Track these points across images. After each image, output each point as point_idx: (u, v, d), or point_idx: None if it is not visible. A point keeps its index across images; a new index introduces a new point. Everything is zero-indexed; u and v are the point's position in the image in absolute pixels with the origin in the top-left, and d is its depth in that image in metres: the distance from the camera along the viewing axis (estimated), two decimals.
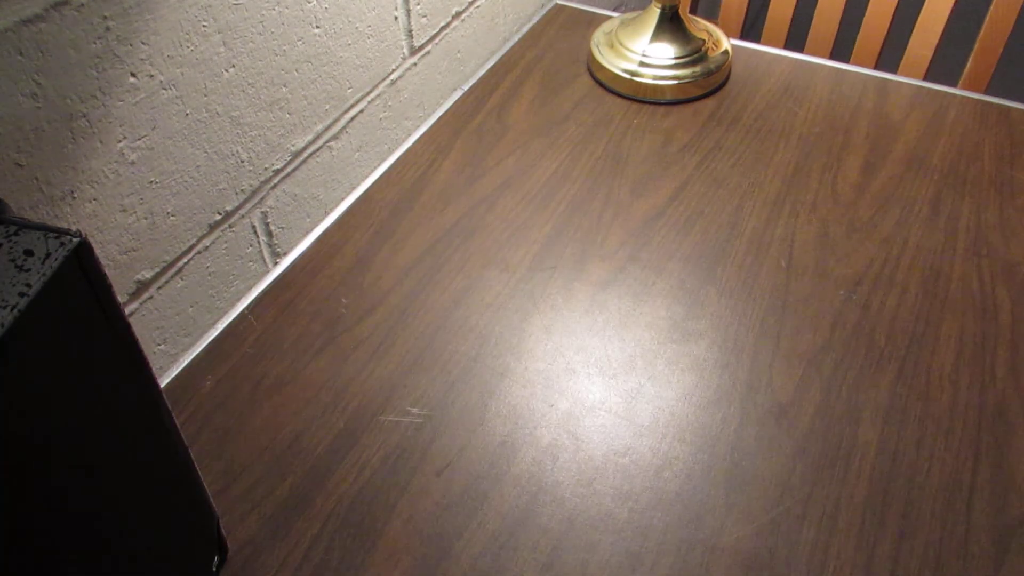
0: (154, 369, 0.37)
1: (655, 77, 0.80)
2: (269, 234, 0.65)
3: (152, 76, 0.50)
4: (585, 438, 0.53)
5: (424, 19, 0.75)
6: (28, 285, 0.29)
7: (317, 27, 0.62)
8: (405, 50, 0.74)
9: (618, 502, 0.50)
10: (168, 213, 0.55)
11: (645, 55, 0.80)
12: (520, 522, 0.49)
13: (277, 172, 0.64)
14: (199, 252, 0.59)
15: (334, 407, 0.55)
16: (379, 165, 0.76)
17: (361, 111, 0.71)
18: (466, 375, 0.57)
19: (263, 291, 0.64)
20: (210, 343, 0.60)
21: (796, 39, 1.10)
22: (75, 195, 0.48)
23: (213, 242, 0.60)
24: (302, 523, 0.49)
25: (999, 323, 0.59)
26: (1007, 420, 0.53)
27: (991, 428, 0.53)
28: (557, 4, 0.97)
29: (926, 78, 0.86)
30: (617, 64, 0.81)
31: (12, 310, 0.28)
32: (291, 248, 0.68)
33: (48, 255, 0.30)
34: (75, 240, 0.30)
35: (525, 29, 0.92)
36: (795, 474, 0.51)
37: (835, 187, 0.71)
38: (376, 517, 0.49)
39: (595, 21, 0.93)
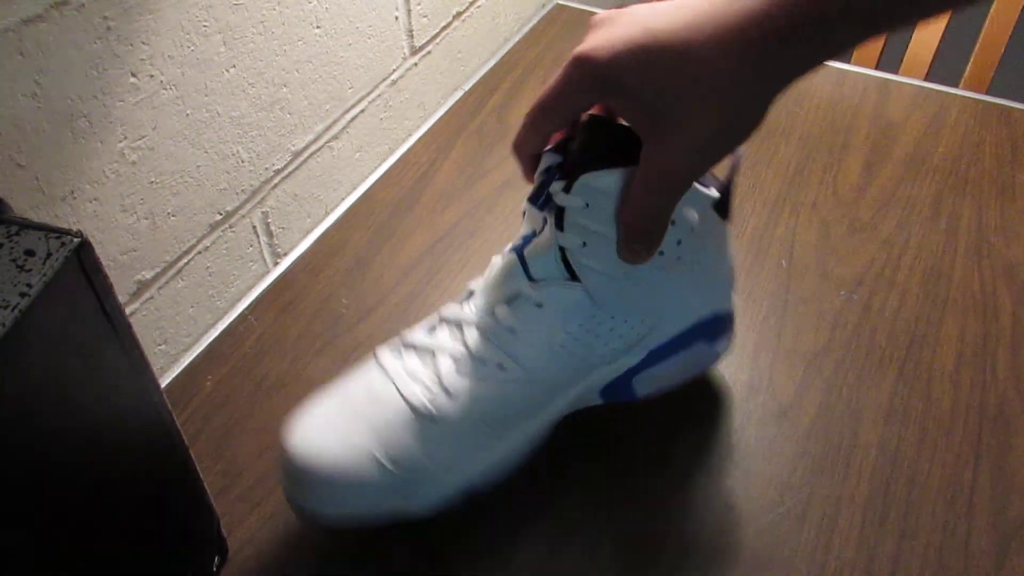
0: (154, 369, 0.37)
1: None
2: (269, 234, 0.65)
3: (153, 76, 0.50)
4: (585, 438, 0.53)
5: (425, 19, 0.75)
6: (29, 285, 0.29)
7: (318, 27, 0.62)
8: (406, 50, 0.74)
9: (618, 502, 0.50)
10: (168, 213, 0.55)
11: None
12: (520, 523, 0.49)
13: (277, 172, 0.64)
14: (200, 252, 0.59)
15: None
16: (379, 165, 0.76)
17: (362, 111, 0.71)
18: None
19: (263, 291, 0.64)
20: (211, 343, 0.60)
21: None
22: (76, 195, 0.48)
23: (213, 242, 0.60)
24: (303, 523, 0.49)
25: (1000, 324, 0.59)
26: (1008, 421, 0.53)
27: (992, 429, 0.53)
28: (558, 4, 0.97)
29: (927, 78, 0.86)
30: None
31: (13, 310, 0.28)
32: (291, 248, 0.68)
33: (49, 255, 0.30)
34: (76, 240, 0.30)
35: (526, 29, 0.92)
36: (795, 474, 0.51)
37: (836, 187, 0.71)
38: None
39: None
